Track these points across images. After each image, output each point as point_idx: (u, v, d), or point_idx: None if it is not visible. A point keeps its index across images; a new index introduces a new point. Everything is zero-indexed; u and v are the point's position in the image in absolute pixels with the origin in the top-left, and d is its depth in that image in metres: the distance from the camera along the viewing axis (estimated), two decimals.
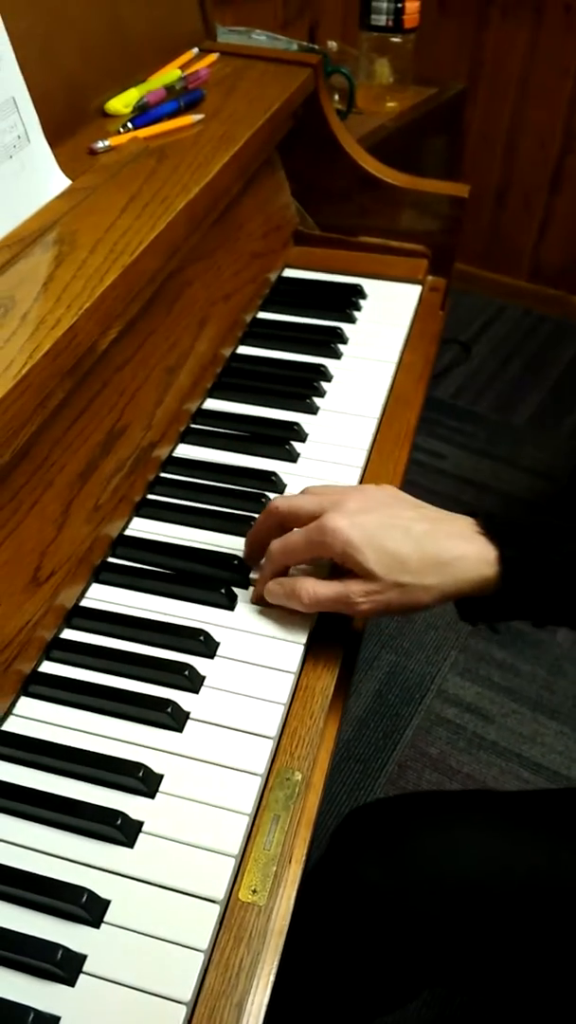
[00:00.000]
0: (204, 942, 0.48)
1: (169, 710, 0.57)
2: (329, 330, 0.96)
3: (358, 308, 1.01)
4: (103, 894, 0.49)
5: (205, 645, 0.62)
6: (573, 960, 0.66)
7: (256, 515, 0.71)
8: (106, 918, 0.48)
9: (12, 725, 0.57)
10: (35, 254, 0.62)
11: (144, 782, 0.54)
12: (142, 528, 0.72)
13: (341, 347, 0.95)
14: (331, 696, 0.62)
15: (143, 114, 0.83)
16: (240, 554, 0.69)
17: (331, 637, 0.65)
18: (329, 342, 0.94)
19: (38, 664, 0.61)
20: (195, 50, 0.99)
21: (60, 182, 0.70)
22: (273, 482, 0.76)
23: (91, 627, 0.64)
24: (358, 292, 1.03)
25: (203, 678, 0.61)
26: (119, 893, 0.49)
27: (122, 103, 0.83)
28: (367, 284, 1.05)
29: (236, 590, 0.67)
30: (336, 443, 0.82)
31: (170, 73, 0.90)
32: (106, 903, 0.49)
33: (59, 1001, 0.45)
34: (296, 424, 0.83)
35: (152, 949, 0.47)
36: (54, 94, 0.74)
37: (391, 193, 1.07)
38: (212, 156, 0.78)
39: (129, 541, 0.70)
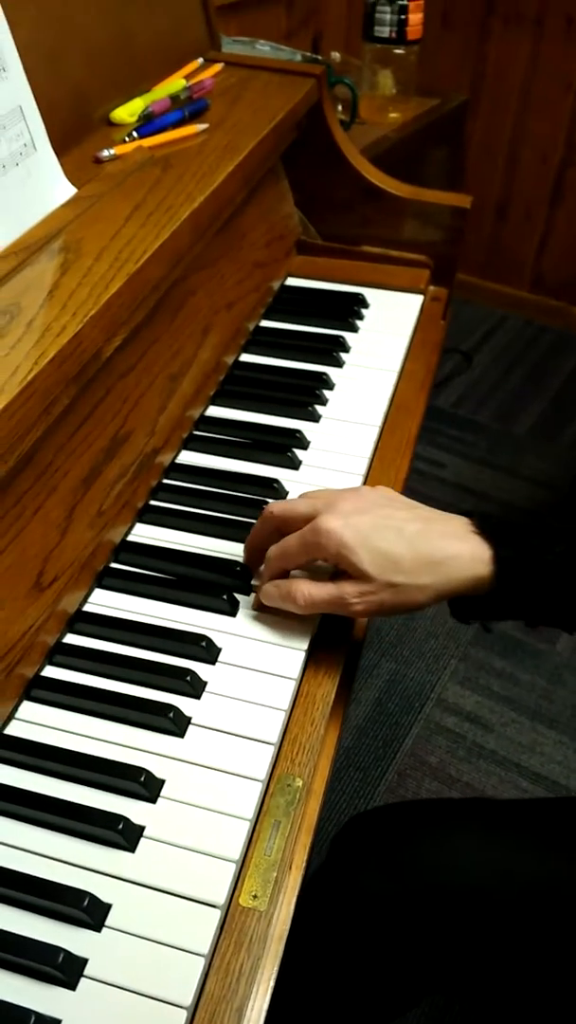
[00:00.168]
0: (205, 947, 0.48)
1: (171, 715, 0.57)
2: (331, 339, 0.97)
3: (360, 317, 1.02)
4: (104, 898, 0.49)
5: (207, 651, 0.62)
6: (571, 968, 0.66)
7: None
8: (107, 922, 0.48)
9: (15, 729, 0.58)
10: (41, 261, 0.63)
11: (146, 787, 0.54)
12: (145, 534, 0.72)
13: (343, 355, 0.95)
14: (332, 703, 0.63)
15: (148, 123, 0.83)
16: (242, 560, 0.69)
17: (332, 644, 0.66)
18: (331, 350, 0.95)
19: (40, 668, 0.61)
20: (200, 60, 0.99)
21: (66, 190, 0.71)
22: (275, 489, 0.77)
23: (93, 632, 0.64)
24: (360, 301, 1.04)
25: (205, 683, 0.61)
26: (120, 897, 0.49)
27: (127, 112, 0.84)
28: (369, 293, 1.05)
29: (238, 596, 0.67)
30: (338, 451, 0.83)
31: (175, 83, 0.91)
32: (107, 907, 0.49)
33: (60, 1004, 0.45)
34: (298, 431, 0.83)
35: (153, 953, 0.47)
36: (60, 103, 0.75)
37: (393, 203, 1.08)
38: (216, 166, 0.79)
39: (132, 547, 0.71)
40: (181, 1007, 0.45)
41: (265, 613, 0.66)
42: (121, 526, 0.71)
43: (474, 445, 2.11)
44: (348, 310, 1.01)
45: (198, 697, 0.60)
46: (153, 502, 0.75)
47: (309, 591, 0.61)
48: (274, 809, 0.55)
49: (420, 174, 1.89)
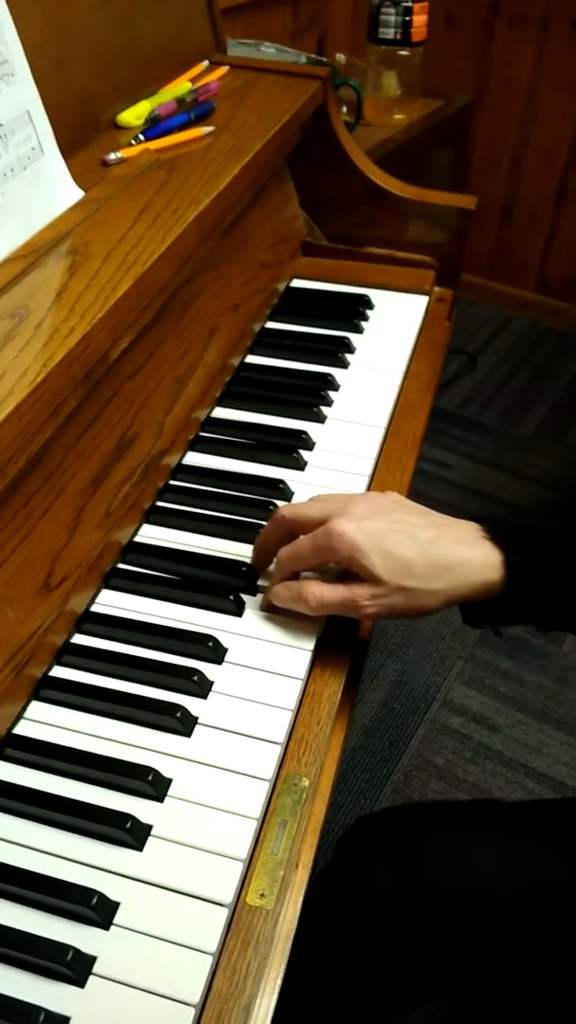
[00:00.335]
0: (212, 945, 0.48)
1: (178, 715, 0.58)
2: (337, 340, 0.97)
3: (365, 318, 1.02)
4: (113, 896, 0.49)
5: (213, 651, 0.63)
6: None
7: (264, 522, 0.72)
8: (116, 920, 0.49)
9: (23, 729, 0.58)
10: (49, 264, 0.63)
11: (153, 786, 0.54)
12: (152, 535, 0.73)
13: (348, 357, 0.95)
14: (338, 703, 0.63)
15: (154, 126, 0.84)
16: (248, 561, 0.69)
17: (338, 644, 0.66)
18: (336, 352, 0.95)
19: (49, 668, 0.62)
20: (205, 63, 1.00)
21: (73, 193, 0.71)
22: (281, 490, 0.77)
23: (101, 632, 0.64)
24: (365, 302, 1.04)
25: (211, 683, 0.61)
26: (128, 895, 0.50)
27: (134, 115, 0.84)
28: (374, 295, 1.05)
29: (244, 597, 0.67)
30: (343, 451, 0.83)
31: (181, 86, 0.91)
32: (116, 905, 0.49)
33: (69, 1001, 0.46)
34: (304, 432, 0.83)
35: (161, 951, 0.48)
36: (68, 107, 0.76)
37: (399, 204, 1.08)
38: (222, 168, 0.79)
39: (139, 547, 0.71)
40: (189, 1005, 0.46)
41: (271, 613, 0.66)
42: (128, 527, 0.71)
43: (479, 446, 2.12)
44: (353, 311, 1.02)
45: (205, 697, 0.60)
46: (160, 503, 0.76)
47: (320, 592, 0.62)
48: (281, 808, 0.56)
49: (425, 175, 1.89)
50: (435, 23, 1.93)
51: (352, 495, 0.65)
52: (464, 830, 0.71)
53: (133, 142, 0.81)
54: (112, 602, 0.67)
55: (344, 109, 1.63)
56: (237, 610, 0.66)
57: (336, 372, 0.93)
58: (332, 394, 0.90)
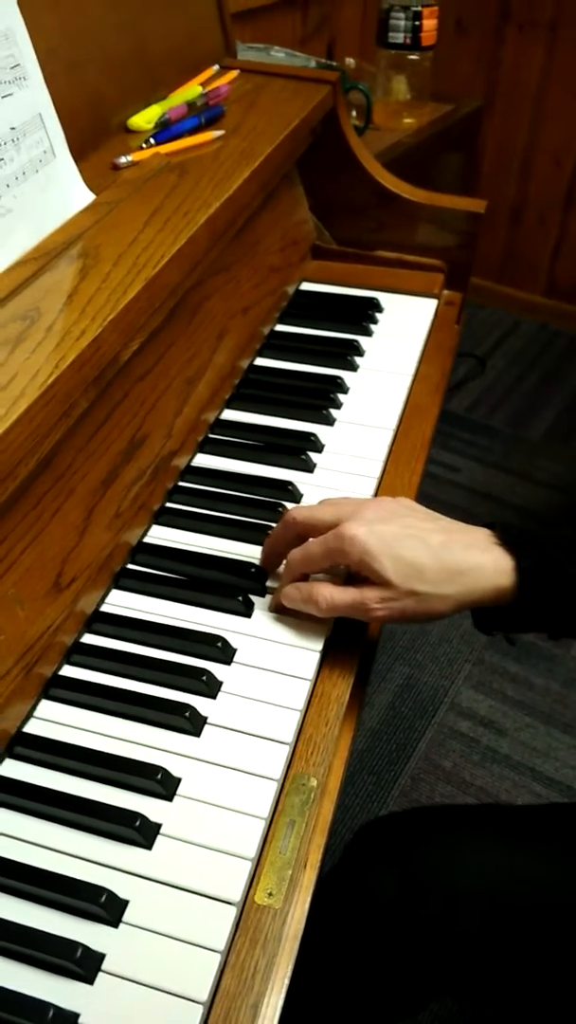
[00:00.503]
0: (221, 943, 0.48)
1: (187, 714, 0.58)
2: (346, 343, 0.97)
3: (375, 321, 1.02)
4: (122, 894, 0.50)
5: (222, 651, 0.63)
6: None
7: (273, 524, 0.72)
8: (124, 918, 0.49)
9: (33, 727, 0.58)
10: (60, 267, 0.64)
11: (162, 785, 0.54)
12: (161, 536, 0.73)
13: (358, 359, 0.96)
14: (346, 704, 0.63)
15: (165, 130, 0.84)
16: (257, 562, 0.70)
17: (347, 645, 0.66)
18: (346, 354, 0.95)
19: (59, 668, 0.62)
20: (216, 67, 1.00)
21: (84, 196, 0.72)
22: (290, 491, 0.77)
23: (111, 632, 0.65)
24: (375, 305, 1.04)
25: (220, 683, 0.61)
26: (137, 893, 0.50)
27: (144, 119, 0.85)
28: (384, 298, 1.06)
29: (253, 597, 0.67)
30: (352, 454, 0.83)
31: (191, 90, 0.92)
32: (124, 903, 0.49)
33: (78, 998, 0.46)
34: (313, 435, 0.83)
35: (169, 949, 0.48)
36: (79, 110, 0.76)
37: (408, 208, 1.09)
38: (232, 171, 0.79)
39: (148, 548, 0.71)
40: (197, 1002, 0.46)
41: (280, 614, 0.67)
42: (138, 528, 0.72)
43: (488, 449, 2.12)
44: (362, 314, 1.02)
45: (214, 697, 0.61)
46: (169, 504, 0.76)
47: (331, 595, 0.62)
48: (289, 808, 0.56)
49: (434, 179, 1.90)
50: (445, 28, 1.93)
51: (363, 499, 0.66)
52: (471, 834, 0.71)
53: (144, 146, 0.82)
54: (122, 602, 0.67)
55: (354, 113, 1.63)
56: (246, 611, 0.67)
57: (345, 375, 0.93)
58: (341, 396, 0.90)
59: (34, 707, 0.60)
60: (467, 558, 0.60)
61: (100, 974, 0.47)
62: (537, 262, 2.54)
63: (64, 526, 0.61)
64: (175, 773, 0.56)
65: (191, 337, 0.80)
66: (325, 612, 0.62)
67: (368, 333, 1.00)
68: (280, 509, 0.75)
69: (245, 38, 1.67)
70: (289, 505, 0.76)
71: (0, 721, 0.56)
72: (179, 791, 0.55)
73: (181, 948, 0.48)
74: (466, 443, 2.13)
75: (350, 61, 1.86)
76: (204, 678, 0.61)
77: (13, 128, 0.63)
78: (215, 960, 0.48)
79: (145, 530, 0.73)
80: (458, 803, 1.30)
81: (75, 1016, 0.45)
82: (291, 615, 0.66)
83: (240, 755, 0.57)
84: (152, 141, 0.82)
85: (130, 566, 0.70)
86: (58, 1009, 0.45)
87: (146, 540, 0.73)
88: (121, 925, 0.49)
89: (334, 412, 0.88)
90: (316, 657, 0.64)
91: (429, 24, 1.71)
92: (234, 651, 0.64)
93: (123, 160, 0.78)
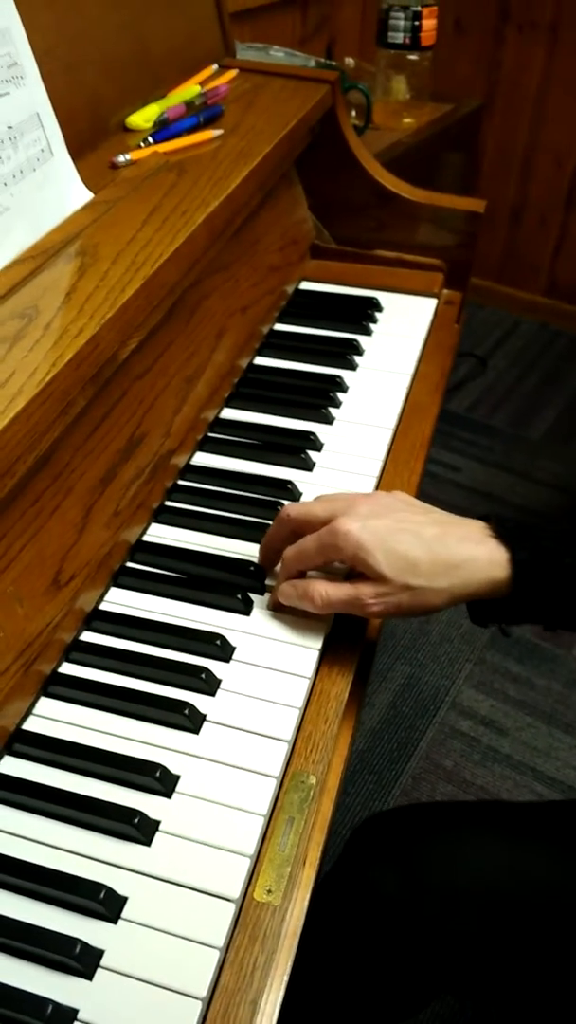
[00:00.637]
0: (220, 940, 0.48)
1: (186, 712, 0.58)
2: (345, 342, 0.97)
3: (374, 320, 1.02)
4: (121, 891, 0.50)
5: (221, 649, 0.63)
6: None
7: (272, 522, 0.72)
8: (123, 914, 0.49)
9: (33, 725, 0.59)
10: (58, 265, 0.64)
11: (161, 782, 0.54)
12: (160, 534, 0.73)
13: (357, 359, 0.96)
14: (345, 701, 0.63)
15: (163, 129, 0.84)
16: (255, 560, 0.70)
17: (346, 643, 0.66)
18: (345, 353, 0.95)
19: (58, 665, 0.62)
20: (214, 66, 1.00)
21: (82, 195, 0.72)
22: (289, 490, 0.77)
23: (110, 630, 0.65)
24: (374, 305, 1.04)
25: (219, 681, 0.62)
26: (136, 890, 0.50)
27: (143, 118, 0.85)
28: (383, 297, 1.06)
29: (252, 595, 0.68)
30: (351, 453, 0.83)
31: (190, 89, 0.92)
32: (123, 899, 0.50)
33: (77, 994, 0.46)
34: (312, 434, 0.84)
35: (168, 945, 0.48)
36: (77, 109, 0.76)
37: (407, 208, 1.09)
38: (231, 170, 0.79)
39: (147, 547, 0.72)
40: (196, 998, 0.46)
41: (279, 612, 0.67)
42: (137, 526, 0.72)
43: (489, 449, 2.11)
44: (362, 314, 1.02)
45: (213, 694, 0.61)
46: (168, 503, 0.76)
47: (326, 591, 0.62)
48: (288, 806, 0.56)
49: (435, 179, 1.90)
50: (444, 28, 1.93)
51: (358, 495, 0.65)
52: (471, 831, 0.71)
53: (142, 145, 0.82)
54: (121, 600, 0.67)
55: (353, 113, 1.64)
56: (245, 609, 0.67)
57: (344, 374, 0.93)
58: (340, 396, 0.90)
59: (33, 704, 0.60)
60: (461, 551, 0.60)
61: (99, 970, 0.47)
62: (538, 262, 2.54)
63: (63, 524, 0.61)
64: (174, 770, 0.56)
65: (190, 336, 0.80)
66: (321, 608, 0.63)
67: (367, 332, 1.00)
68: (279, 508, 0.75)
69: (244, 38, 1.67)
70: (287, 503, 0.76)
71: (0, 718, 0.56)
72: (178, 788, 0.55)
73: (180, 944, 0.48)
74: (467, 443, 2.13)
75: (349, 61, 1.86)
76: (203, 676, 0.61)
77: (10, 127, 0.63)
78: (214, 956, 0.48)
79: (144, 528, 0.73)
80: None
81: (74, 1012, 0.45)
82: (290, 613, 0.66)
83: (239, 752, 0.57)
84: (150, 140, 0.82)
85: (129, 564, 0.70)
86: (57, 1005, 0.45)
87: (145, 538, 0.73)
88: (120, 921, 0.49)
89: (333, 411, 0.88)
90: (315, 655, 0.64)
91: (428, 24, 1.71)
92: (233, 649, 0.64)
93: (121, 159, 0.78)
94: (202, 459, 0.82)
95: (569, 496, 1.97)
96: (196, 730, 0.58)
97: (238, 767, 0.56)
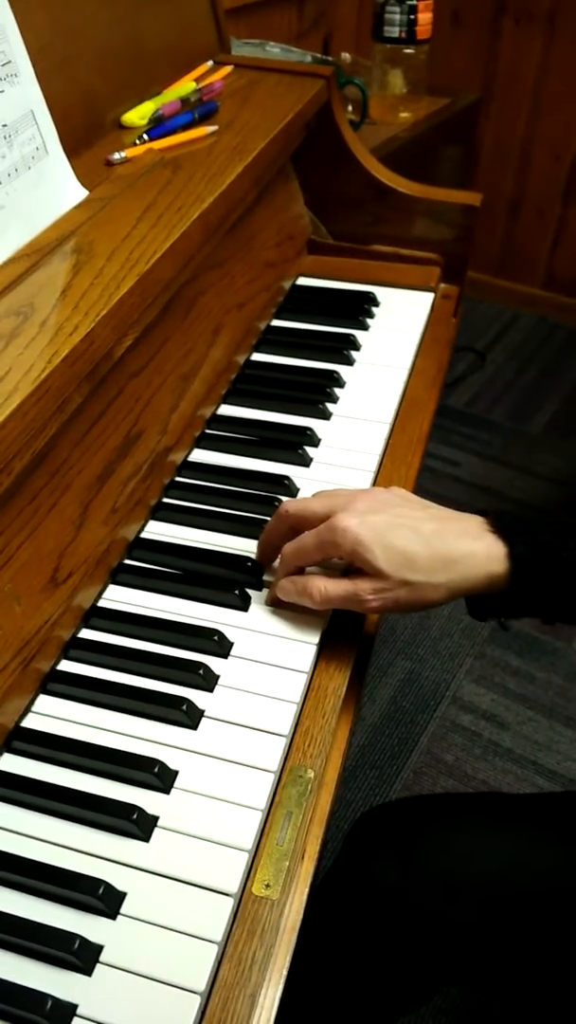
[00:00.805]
0: (218, 934, 0.48)
1: (184, 708, 0.58)
2: (342, 337, 0.97)
3: (371, 315, 1.02)
4: (119, 886, 0.50)
5: (219, 645, 0.63)
6: None
7: (269, 518, 0.72)
8: (122, 910, 0.49)
9: (31, 722, 0.59)
10: (53, 263, 0.64)
11: (159, 778, 0.55)
12: (158, 531, 0.73)
13: (354, 354, 0.96)
14: (343, 696, 0.63)
15: (158, 126, 0.84)
16: (253, 556, 0.70)
17: (344, 638, 0.66)
18: (342, 349, 0.95)
19: (56, 662, 0.62)
20: (210, 63, 1.00)
21: (77, 192, 0.72)
22: (286, 486, 0.77)
23: (108, 627, 0.65)
24: (371, 300, 1.04)
25: (217, 677, 0.62)
26: (135, 885, 0.50)
27: (138, 115, 0.85)
28: (380, 292, 1.06)
29: (250, 592, 0.68)
30: (349, 448, 0.83)
31: (185, 85, 0.92)
32: (122, 895, 0.50)
33: (76, 989, 0.46)
34: (309, 429, 0.84)
35: (167, 940, 0.48)
36: (72, 107, 0.76)
37: (403, 202, 1.09)
38: (226, 166, 0.79)
39: (145, 543, 0.72)
40: (195, 992, 0.46)
41: (276, 608, 0.67)
42: (135, 523, 0.72)
43: (488, 443, 2.11)
44: (359, 308, 1.02)
45: (211, 690, 0.61)
46: (166, 499, 0.76)
47: (325, 587, 0.62)
48: (286, 800, 0.56)
49: (432, 173, 1.89)
50: (441, 22, 1.93)
51: (356, 490, 0.66)
52: (471, 822, 0.71)
53: (137, 142, 0.82)
54: (119, 597, 0.68)
55: (350, 108, 1.63)
56: (243, 605, 0.67)
57: (341, 369, 0.93)
58: (337, 391, 0.90)
59: (32, 702, 0.60)
60: (459, 546, 0.60)
61: (98, 965, 0.47)
62: (536, 255, 2.53)
63: (60, 521, 0.61)
64: (172, 766, 0.56)
65: (186, 333, 0.80)
66: (319, 604, 0.63)
67: (364, 327, 1.00)
68: (277, 504, 0.75)
69: (240, 34, 1.67)
70: (285, 499, 0.76)
71: None
72: (176, 784, 0.55)
73: (179, 939, 0.48)
74: (466, 437, 2.13)
75: (346, 56, 1.86)
76: (201, 672, 0.61)
77: (5, 125, 0.63)
78: (212, 951, 0.48)
79: (142, 525, 0.73)
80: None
81: (73, 1007, 0.45)
82: (288, 608, 0.66)
83: (237, 748, 0.57)
84: (145, 137, 0.82)
85: (127, 561, 0.70)
86: (56, 1000, 0.45)
87: (143, 535, 0.73)
88: (119, 917, 0.49)
89: (330, 406, 0.88)
90: (313, 650, 0.64)
91: (424, 18, 1.71)
92: (231, 645, 0.64)
93: (116, 156, 0.78)
94: (199, 456, 0.82)
95: (568, 490, 1.97)
96: (194, 726, 0.59)
97: (236, 762, 0.57)
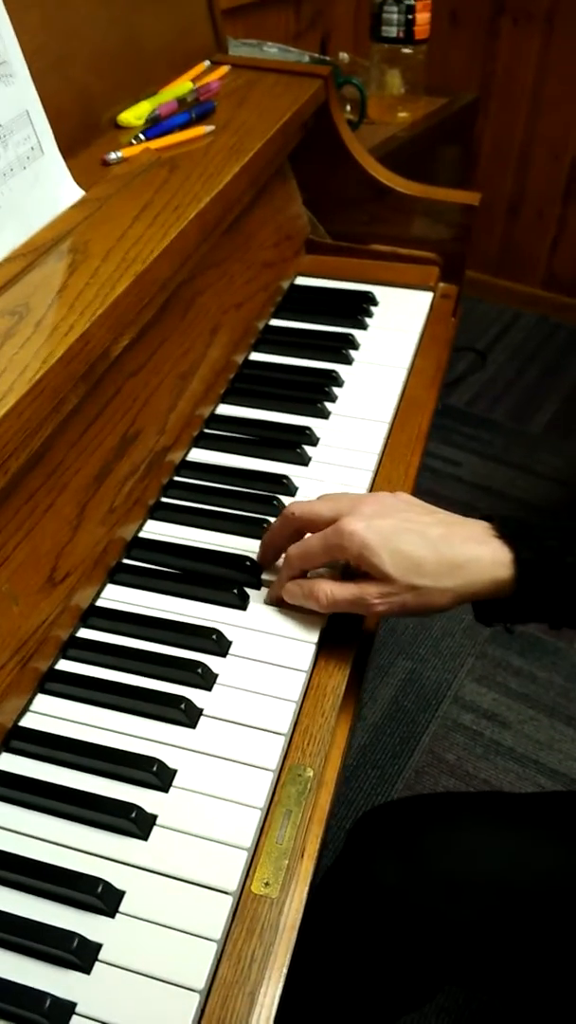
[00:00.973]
0: (217, 932, 0.48)
1: (183, 707, 0.58)
2: (341, 336, 0.97)
3: (369, 315, 1.02)
4: (118, 885, 0.50)
5: (218, 644, 0.63)
6: None
7: (268, 518, 0.72)
8: (121, 908, 0.49)
9: (29, 721, 0.59)
10: (49, 263, 0.64)
11: (158, 776, 0.55)
12: (156, 530, 0.73)
13: (353, 353, 0.96)
14: (343, 694, 0.63)
15: (155, 126, 0.84)
16: (252, 555, 0.70)
17: (343, 636, 0.66)
18: (341, 348, 0.95)
19: (55, 662, 0.62)
20: (207, 63, 1.00)
21: (73, 192, 0.72)
22: (285, 485, 0.77)
23: (106, 626, 0.65)
24: (369, 299, 1.04)
25: (216, 676, 0.62)
26: (134, 884, 0.50)
27: (134, 115, 0.85)
28: (378, 291, 1.06)
29: (248, 590, 0.68)
30: (347, 447, 0.83)
31: (182, 85, 0.92)
32: (121, 894, 0.50)
33: (75, 988, 0.46)
34: (308, 428, 0.84)
35: (166, 939, 0.48)
36: (68, 107, 0.76)
37: (402, 201, 1.09)
38: (223, 166, 0.80)
39: (143, 543, 0.72)
40: (194, 991, 0.46)
41: (275, 607, 0.67)
42: (133, 523, 0.72)
43: (489, 443, 2.11)
44: (357, 308, 1.02)
45: (209, 689, 0.61)
46: (164, 499, 0.76)
47: (331, 590, 0.62)
48: (285, 799, 0.56)
49: (430, 173, 1.89)
50: (439, 21, 1.93)
51: (362, 495, 0.66)
52: (473, 821, 0.71)
53: (134, 141, 0.82)
54: (117, 597, 0.67)
55: (348, 108, 1.63)
56: (241, 604, 0.67)
57: (340, 368, 0.93)
58: (336, 390, 0.90)
59: (30, 701, 0.60)
60: (465, 551, 0.60)
61: (97, 964, 0.47)
62: (536, 255, 2.53)
63: (58, 521, 0.61)
64: (171, 765, 0.56)
65: (184, 332, 0.80)
66: (326, 608, 0.63)
67: (363, 327, 1.00)
68: (275, 503, 0.75)
69: (238, 34, 1.67)
70: (284, 499, 0.76)
71: None
72: (175, 782, 0.55)
73: (178, 937, 0.48)
74: (467, 437, 2.13)
75: (344, 56, 1.86)
76: (199, 671, 0.61)
77: (0, 125, 0.63)
78: (212, 949, 0.48)
79: (140, 525, 0.73)
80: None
81: (72, 1005, 0.45)
82: (286, 607, 0.66)
83: (236, 746, 0.57)
84: (142, 137, 0.82)
85: (125, 561, 0.70)
86: (55, 999, 0.45)
87: (141, 535, 0.73)
88: (118, 915, 0.49)
89: (329, 406, 0.88)
90: (312, 648, 0.64)
91: (422, 17, 1.71)
92: (229, 643, 0.64)
93: (113, 156, 0.78)
94: (198, 455, 0.82)
95: (569, 489, 1.97)
96: (193, 725, 0.58)
97: (235, 761, 0.57)
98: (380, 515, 0.61)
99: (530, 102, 2.33)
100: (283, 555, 0.66)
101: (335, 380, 0.91)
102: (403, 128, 1.76)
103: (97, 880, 0.49)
